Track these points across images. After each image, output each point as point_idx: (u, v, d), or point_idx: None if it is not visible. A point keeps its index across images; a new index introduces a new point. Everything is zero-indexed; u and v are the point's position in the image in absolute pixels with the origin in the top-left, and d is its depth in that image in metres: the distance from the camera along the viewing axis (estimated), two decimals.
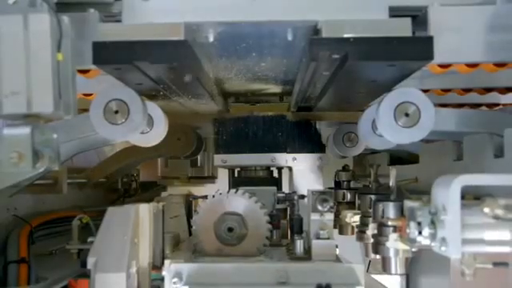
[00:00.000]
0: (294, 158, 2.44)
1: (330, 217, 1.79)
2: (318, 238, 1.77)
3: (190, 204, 2.73)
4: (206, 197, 1.91)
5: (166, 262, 1.69)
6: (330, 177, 2.87)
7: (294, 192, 2.31)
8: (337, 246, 1.81)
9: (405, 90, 1.45)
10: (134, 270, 1.76)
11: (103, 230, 1.75)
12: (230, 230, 1.84)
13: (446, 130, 1.54)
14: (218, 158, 2.42)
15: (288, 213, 2.28)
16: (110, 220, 1.77)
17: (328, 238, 1.77)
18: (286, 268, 1.65)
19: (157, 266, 1.87)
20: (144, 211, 1.85)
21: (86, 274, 1.66)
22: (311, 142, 2.46)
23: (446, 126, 1.52)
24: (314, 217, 1.80)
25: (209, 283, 1.63)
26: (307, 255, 1.81)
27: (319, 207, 1.79)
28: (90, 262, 1.65)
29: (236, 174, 2.61)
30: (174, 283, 1.63)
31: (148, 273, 1.83)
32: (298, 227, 1.96)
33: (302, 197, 2.13)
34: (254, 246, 1.84)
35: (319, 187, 2.32)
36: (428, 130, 1.41)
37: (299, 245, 1.83)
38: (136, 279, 1.78)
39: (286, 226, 2.27)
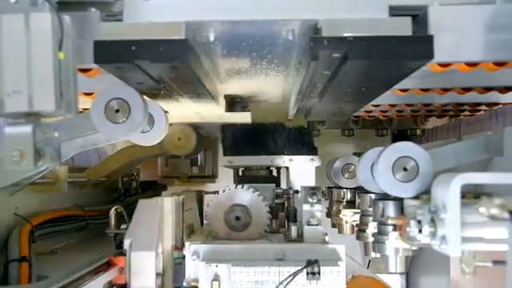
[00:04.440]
0: (291, 159, 2.78)
1: (318, 207, 2.12)
2: (308, 224, 2.10)
3: (201, 198, 3.12)
4: (217, 192, 2.28)
5: (187, 243, 2.08)
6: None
7: (290, 188, 2.64)
8: (326, 234, 2.13)
9: (402, 144, 1.46)
10: (160, 250, 2.18)
11: (136, 218, 2.19)
12: (238, 218, 2.19)
13: (446, 168, 1.49)
14: (225, 159, 2.77)
15: (285, 205, 2.59)
16: (141, 210, 2.22)
17: (317, 225, 2.10)
18: (283, 248, 2.03)
19: (178, 247, 2.27)
20: (168, 203, 2.28)
21: (123, 253, 2.08)
22: (305, 146, 2.81)
23: (447, 164, 1.49)
24: (306, 207, 2.12)
25: (221, 260, 1.98)
26: (300, 238, 2.14)
27: (309, 200, 2.13)
28: (126, 243, 2.09)
29: (240, 173, 2.96)
30: (193, 260, 2.03)
31: (171, 252, 2.25)
32: (293, 216, 2.30)
33: (297, 192, 2.44)
34: (256, 232, 2.19)
35: (311, 184, 2.65)
36: (427, 184, 1.40)
37: (294, 230, 2.17)
38: (161, 258, 2.20)
39: (283, 217, 2.59)
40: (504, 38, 1.30)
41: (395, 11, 1.30)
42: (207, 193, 2.95)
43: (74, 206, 2.84)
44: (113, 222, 2.36)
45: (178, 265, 2.22)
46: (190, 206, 2.80)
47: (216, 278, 1.95)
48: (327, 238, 2.10)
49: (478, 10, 1.31)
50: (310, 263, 1.91)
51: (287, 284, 1.90)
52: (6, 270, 1.90)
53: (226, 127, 2.78)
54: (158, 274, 2.16)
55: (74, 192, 2.86)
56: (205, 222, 2.44)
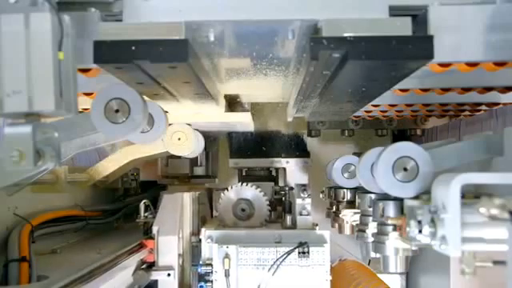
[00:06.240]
0: (287, 161, 3.34)
1: (308, 201, 2.66)
2: (300, 214, 2.63)
3: (210, 195, 3.76)
4: (226, 189, 2.82)
5: (202, 229, 2.65)
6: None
7: (287, 185, 3.17)
8: (317, 225, 2.67)
9: (402, 144, 1.46)
10: (181, 235, 2.79)
11: (161, 210, 2.82)
12: (243, 210, 2.76)
13: (449, 168, 1.49)
14: (232, 162, 3.37)
15: (282, 200, 3.11)
16: (166, 203, 2.85)
17: (307, 215, 2.64)
18: (280, 233, 2.58)
19: (195, 233, 2.88)
20: (186, 197, 2.90)
21: (152, 237, 2.69)
22: (299, 150, 3.36)
23: (447, 164, 1.49)
24: (298, 201, 2.64)
25: (230, 242, 2.51)
26: (294, 226, 2.66)
27: (301, 195, 2.64)
28: (155, 229, 2.71)
29: (244, 173, 3.53)
30: (208, 243, 2.58)
31: (189, 237, 2.87)
32: (288, 208, 2.85)
33: (292, 188, 2.92)
34: (258, 221, 2.76)
35: (305, 182, 3.18)
36: (427, 184, 1.39)
37: (288, 219, 2.69)
38: (182, 241, 2.81)
39: (280, 209, 3.11)
40: (504, 38, 1.30)
41: (395, 11, 1.30)
42: (218, 189, 3.43)
43: (74, 206, 2.84)
44: (142, 212, 2.87)
45: (195, 247, 2.81)
46: (203, 201, 3.37)
47: (227, 257, 2.47)
48: (317, 228, 2.63)
49: (477, 9, 1.31)
50: (301, 244, 2.45)
51: (283, 260, 2.44)
52: (6, 270, 1.90)
53: (232, 134, 3.35)
54: (179, 255, 2.74)
55: (74, 192, 2.86)
56: (215, 213, 3.19)
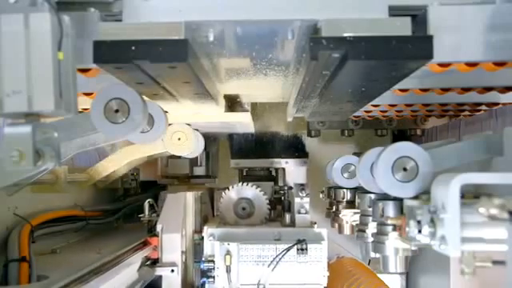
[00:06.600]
0: (286, 162, 3.51)
1: (306, 200, 2.75)
2: (299, 213, 2.72)
3: (212, 195, 3.85)
4: (227, 188, 2.91)
5: (205, 227, 2.73)
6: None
7: (286, 185, 3.30)
8: (315, 223, 2.75)
9: (402, 144, 1.46)
10: (184, 233, 2.89)
11: (165, 209, 2.92)
12: (244, 209, 2.87)
13: (449, 168, 1.48)
14: (233, 162, 3.54)
15: (282, 199, 3.22)
16: (170, 202, 2.95)
17: (306, 213, 2.73)
18: (279, 231, 2.66)
19: (197, 231, 3.01)
20: (189, 197, 3.02)
21: (156, 235, 2.78)
22: (298, 151, 3.51)
23: (447, 164, 1.49)
24: (297, 200, 2.73)
25: (231, 240, 2.60)
26: (292, 224, 2.74)
27: (300, 194, 2.73)
28: (159, 227, 2.81)
29: (245, 173, 3.67)
30: (210, 240, 2.64)
31: (192, 235, 3.00)
32: (287, 207, 2.96)
33: (291, 188, 3.01)
34: (258, 219, 2.86)
35: (303, 181, 3.29)
36: (427, 184, 1.39)
37: (288, 217, 2.79)
38: (185, 239, 2.90)
39: (280, 208, 3.19)
40: (504, 38, 1.30)
41: (395, 11, 1.30)
42: (219, 189, 3.50)
43: (74, 206, 2.84)
44: (147, 211, 2.99)
45: (198, 244, 2.94)
46: (205, 201, 3.50)
47: (228, 253, 2.56)
48: (316, 226, 2.72)
49: (477, 9, 1.31)
50: (299, 241, 2.53)
51: (282, 257, 2.53)
52: (5, 270, 1.90)
53: (233, 135, 3.49)
54: (182, 252, 2.85)
55: (73, 192, 2.86)
56: (216, 211, 3.27)
